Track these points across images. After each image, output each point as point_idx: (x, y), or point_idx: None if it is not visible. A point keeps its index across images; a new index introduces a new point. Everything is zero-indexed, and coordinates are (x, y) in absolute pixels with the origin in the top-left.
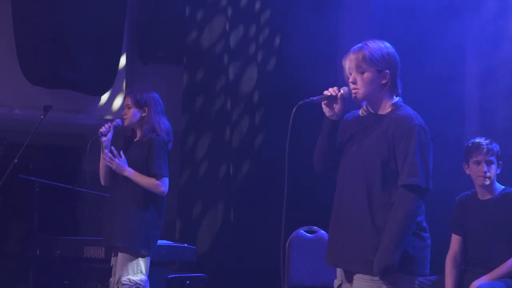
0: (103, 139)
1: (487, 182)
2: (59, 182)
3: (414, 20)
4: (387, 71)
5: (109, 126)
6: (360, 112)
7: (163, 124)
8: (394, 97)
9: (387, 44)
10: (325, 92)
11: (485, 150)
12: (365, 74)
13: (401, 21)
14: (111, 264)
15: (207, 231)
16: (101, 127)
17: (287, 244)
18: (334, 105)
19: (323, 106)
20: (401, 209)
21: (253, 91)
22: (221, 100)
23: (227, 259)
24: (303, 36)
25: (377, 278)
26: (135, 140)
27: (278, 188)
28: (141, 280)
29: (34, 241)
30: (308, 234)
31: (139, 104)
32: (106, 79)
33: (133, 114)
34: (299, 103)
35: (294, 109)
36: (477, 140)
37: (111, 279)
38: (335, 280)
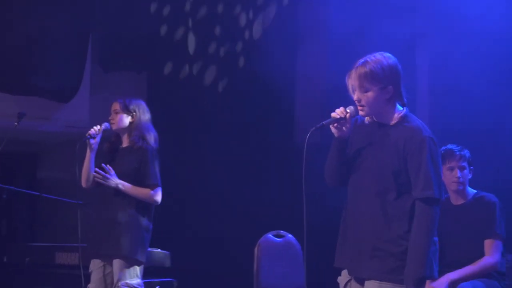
0: (92, 141)
1: (461, 187)
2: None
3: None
4: (390, 86)
5: (98, 129)
6: (366, 119)
7: (152, 131)
8: (399, 107)
9: (387, 55)
10: (333, 115)
11: (458, 156)
12: (369, 93)
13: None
14: (90, 270)
15: (180, 236)
16: (90, 130)
17: (256, 248)
18: (343, 127)
19: (332, 128)
20: (423, 222)
21: (217, 99)
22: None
23: (198, 264)
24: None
25: (389, 284)
26: (121, 146)
27: (248, 193)
28: (138, 284)
29: (1, 248)
30: (276, 239)
31: (128, 110)
32: (73, 86)
33: (120, 119)
34: (311, 129)
35: (307, 136)
36: (449, 147)
37: (89, 285)
38: (340, 278)
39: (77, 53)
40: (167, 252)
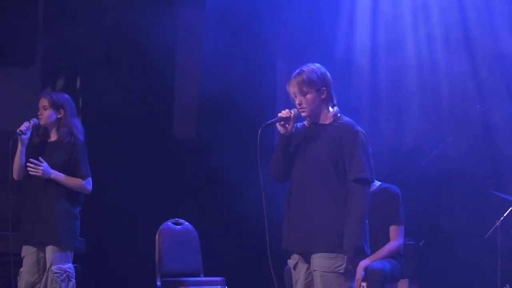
0: (23, 137)
1: None
2: None
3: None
4: (324, 88)
5: (28, 125)
6: (306, 123)
7: (79, 126)
8: (331, 108)
9: (318, 65)
10: (280, 114)
11: None
12: (308, 95)
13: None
14: (22, 256)
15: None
16: (21, 126)
17: (157, 235)
18: (287, 125)
19: (278, 126)
20: (358, 199)
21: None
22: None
23: (102, 249)
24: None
25: (335, 255)
26: (50, 140)
27: (146, 184)
28: (69, 268)
29: None
30: (175, 226)
31: (56, 106)
32: None
33: (49, 115)
34: (262, 125)
35: (259, 131)
36: None
37: (22, 269)
38: (290, 261)
39: None
40: (82, 238)
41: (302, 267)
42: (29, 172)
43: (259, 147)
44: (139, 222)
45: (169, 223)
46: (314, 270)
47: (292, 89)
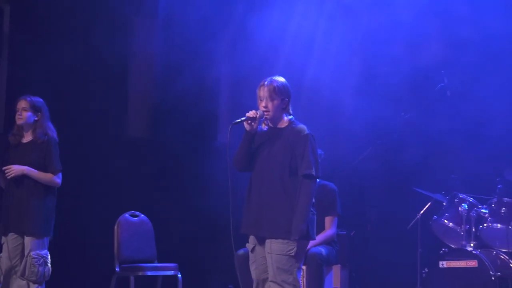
0: None
1: None
2: None
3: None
4: (287, 99)
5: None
6: (262, 126)
7: (52, 127)
8: (288, 116)
9: (283, 79)
10: (248, 114)
11: None
12: (275, 102)
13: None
14: (2, 242)
15: None
16: None
17: (115, 226)
18: (253, 123)
19: (245, 124)
20: (304, 192)
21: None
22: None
23: (66, 240)
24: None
25: (286, 241)
26: (24, 141)
27: (106, 181)
28: (45, 254)
29: None
30: (132, 218)
31: (35, 109)
32: None
33: (28, 117)
34: (233, 123)
35: (230, 128)
36: None
37: (0, 254)
38: (248, 244)
39: None
40: None
41: (260, 250)
42: (7, 177)
43: (229, 143)
44: (100, 215)
45: (127, 215)
46: (269, 253)
47: (263, 93)
